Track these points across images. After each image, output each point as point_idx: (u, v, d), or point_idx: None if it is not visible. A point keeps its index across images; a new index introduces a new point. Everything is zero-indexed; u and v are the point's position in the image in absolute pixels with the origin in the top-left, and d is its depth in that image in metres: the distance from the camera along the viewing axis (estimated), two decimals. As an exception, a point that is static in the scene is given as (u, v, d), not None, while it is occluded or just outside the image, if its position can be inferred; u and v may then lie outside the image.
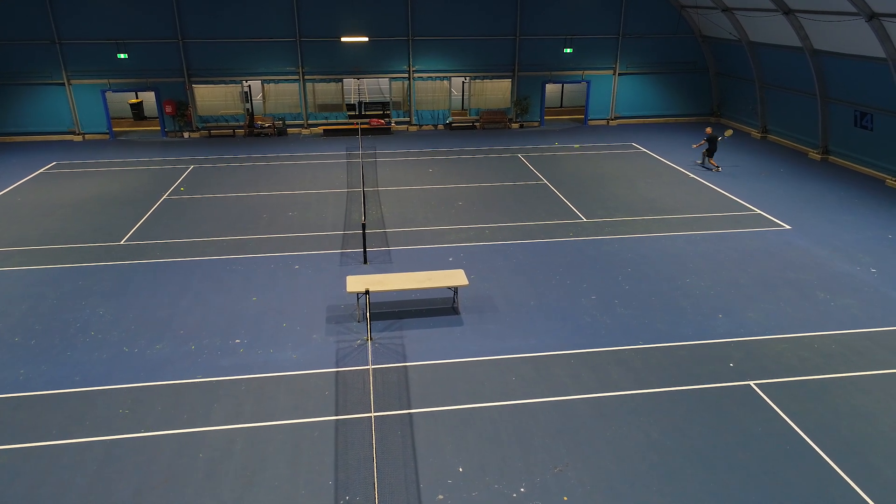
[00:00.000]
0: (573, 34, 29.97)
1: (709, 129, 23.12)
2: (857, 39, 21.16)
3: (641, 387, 10.53)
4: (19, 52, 26.98)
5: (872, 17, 19.49)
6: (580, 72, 30.74)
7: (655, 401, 10.17)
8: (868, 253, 15.80)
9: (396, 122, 30.68)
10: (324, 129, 29.43)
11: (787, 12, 23.34)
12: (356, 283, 12.44)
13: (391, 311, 13.00)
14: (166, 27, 27.54)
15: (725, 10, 27.00)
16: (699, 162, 23.83)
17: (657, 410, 9.93)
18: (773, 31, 25.35)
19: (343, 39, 28.60)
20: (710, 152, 22.98)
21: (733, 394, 10.35)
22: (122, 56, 27.52)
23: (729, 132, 24.12)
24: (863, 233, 17.13)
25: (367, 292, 11.85)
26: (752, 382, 10.65)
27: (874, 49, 20.66)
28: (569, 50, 30.05)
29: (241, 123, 29.59)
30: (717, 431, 9.46)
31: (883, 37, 19.68)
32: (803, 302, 13.35)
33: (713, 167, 23.14)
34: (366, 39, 28.73)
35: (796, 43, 24.33)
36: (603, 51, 30.55)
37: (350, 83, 47.71)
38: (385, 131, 29.80)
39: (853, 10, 20.04)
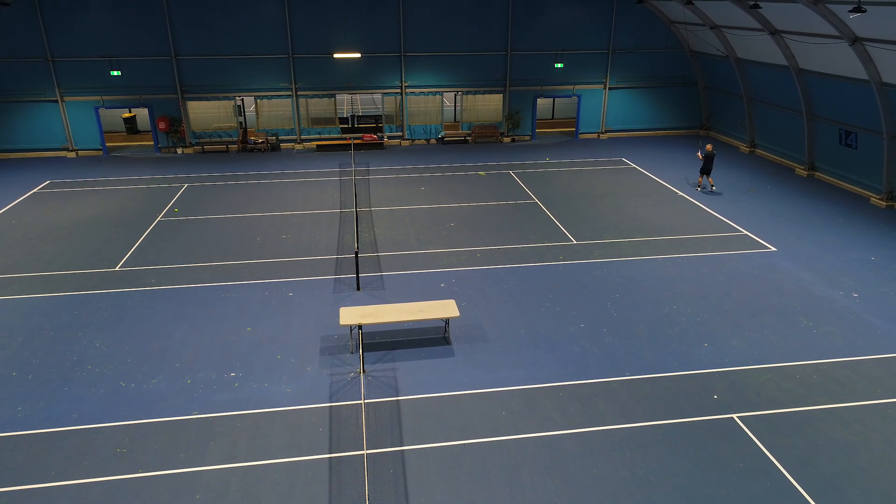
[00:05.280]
0: (564, 49, 30.28)
1: (709, 147, 22.49)
2: (842, 61, 21.56)
3: (627, 420, 10.81)
4: (12, 70, 27.07)
5: (855, 41, 19.87)
6: (571, 86, 31.06)
7: (641, 435, 10.45)
8: (851, 276, 16.14)
9: (389, 137, 30.91)
10: (317, 145, 29.63)
11: (774, 32, 23.72)
12: (349, 315, 12.66)
13: (384, 342, 13.23)
14: (159, 44, 27.69)
15: (714, 27, 27.37)
16: (698, 188, 23.26)
17: (643, 445, 10.21)
18: (760, 49, 25.75)
19: (336, 56, 28.82)
20: (705, 171, 22.62)
21: (717, 427, 10.64)
22: (115, 73, 27.64)
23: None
24: (847, 254, 17.48)
25: (360, 328, 12.08)
26: (735, 415, 10.95)
27: (858, 71, 21.05)
28: (559, 65, 30.35)
29: (235, 139, 29.76)
30: (700, 467, 9.74)
31: (866, 60, 20.06)
32: (786, 329, 13.67)
33: (710, 186, 22.93)
34: (358, 55, 28.95)
35: (782, 62, 24.72)
36: (593, 65, 30.88)
37: (343, 96, 47.79)
38: (378, 146, 30.02)
39: (836, 33, 20.42)
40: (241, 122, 29.88)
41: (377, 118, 30.74)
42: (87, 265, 16.93)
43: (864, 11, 16.75)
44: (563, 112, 38.27)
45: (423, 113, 30.70)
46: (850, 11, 16.93)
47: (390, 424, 10.71)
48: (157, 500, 9.09)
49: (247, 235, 18.99)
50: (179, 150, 29.20)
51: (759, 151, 28.40)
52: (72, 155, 28.50)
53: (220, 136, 29.80)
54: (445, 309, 12.97)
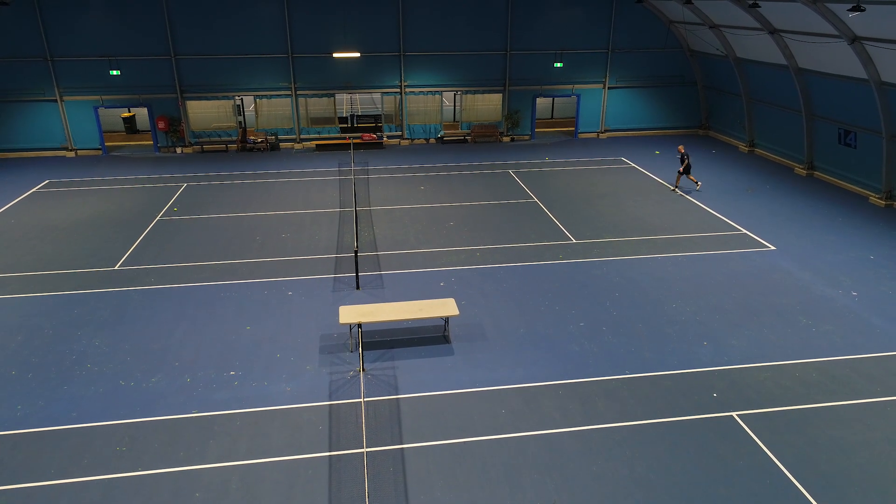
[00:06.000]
0: (563, 49, 30.28)
1: (681, 147, 22.60)
2: (841, 60, 21.57)
3: (627, 419, 10.81)
4: (12, 69, 27.05)
5: (854, 40, 19.88)
6: (570, 86, 31.07)
7: (641, 434, 10.45)
8: (850, 275, 16.15)
9: (388, 137, 30.91)
10: (316, 144, 29.63)
11: (773, 32, 23.74)
12: (349, 313, 12.66)
13: (383, 341, 13.23)
14: (158, 44, 27.67)
15: (713, 26, 27.39)
16: (674, 188, 23.14)
17: (642, 444, 10.21)
18: (760, 48, 25.76)
19: (335, 55, 28.81)
20: (686, 170, 22.57)
21: (716, 426, 10.64)
22: (114, 73, 27.63)
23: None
24: (846, 253, 17.49)
25: (360, 326, 12.09)
26: (734, 413, 10.95)
27: (857, 70, 21.06)
28: (559, 64, 30.36)
29: (234, 138, 29.76)
30: (700, 466, 9.75)
31: (865, 59, 20.08)
32: (786, 328, 13.67)
33: (694, 184, 23.04)
34: (357, 55, 28.95)
35: (781, 61, 24.73)
36: (593, 65, 30.88)
37: (342, 95, 47.80)
38: (377, 146, 30.02)
39: (835, 32, 20.43)
40: (240, 122, 29.87)
41: (376, 118, 30.73)
42: (86, 264, 16.92)
43: (863, 10, 16.76)
44: (563, 112, 38.28)
45: (422, 112, 30.70)
46: (849, 10, 16.94)
47: (390, 423, 10.71)
48: (156, 498, 9.09)
49: (246, 235, 18.99)
50: (179, 150, 29.18)
51: (758, 151, 28.42)
52: (71, 154, 28.48)
53: (219, 136, 29.79)
54: (445, 308, 12.97)
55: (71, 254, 17.62)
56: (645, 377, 11.97)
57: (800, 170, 25.18)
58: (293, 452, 10.01)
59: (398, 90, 30.08)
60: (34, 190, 23.42)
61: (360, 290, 15.52)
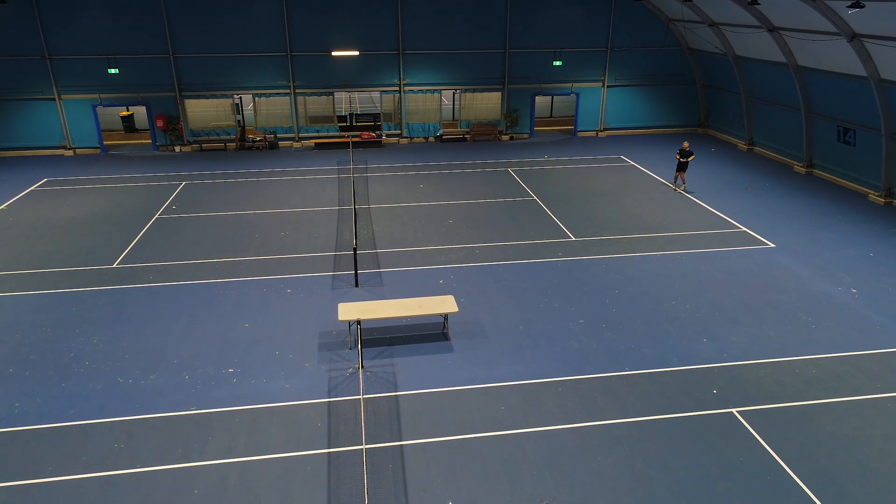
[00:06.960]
0: (562, 47, 30.26)
1: (686, 144, 22.44)
2: (840, 58, 21.56)
3: (627, 415, 10.79)
4: (10, 68, 26.99)
5: (854, 37, 19.87)
6: (569, 84, 31.04)
7: (641, 430, 10.43)
8: (849, 272, 16.14)
9: (387, 135, 30.87)
10: (315, 143, 29.59)
11: (772, 29, 23.73)
12: (348, 311, 12.64)
13: (382, 338, 13.21)
14: (157, 42, 27.62)
15: (712, 24, 27.38)
16: (679, 187, 23.11)
17: (642, 440, 10.19)
18: (759, 46, 25.75)
19: (334, 54, 28.78)
20: (681, 167, 22.51)
21: (716, 422, 10.62)
22: (112, 71, 27.58)
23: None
24: (845, 251, 17.48)
25: (359, 323, 12.06)
26: (734, 410, 10.93)
27: (856, 68, 21.05)
28: (558, 63, 30.33)
29: (233, 137, 29.71)
30: (700, 462, 9.73)
31: (865, 57, 20.07)
32: (785, 325, 13.65)
33: (680, 185, 22.98)
34: (356, 53, 28.91)
35: (781, 59, 24.72)
36: (592, 63, 30.86)
37: (341, 94, 47.79)
38: (376, 144, 29.98)
39: (835, 30, 20.42)
40: (239, 121, 29.82)
41: (375, 116, 30.69)
42: (84, 262, 16.88)
43: (863, 7, 16.75)
44: (562, 110, 38.26)
45: (421, 111, 30.66)
46: (848, 7, 16.93)
47: (389, 420, 10.68)
48: (155, 495, 9.06)
49: (245, 232, 18.95)
50: (177, 149, 29.14)
51: (757, 149, 28.41)
52: (69, 153, 28.43)
53: (218, 135, 29.75)
54: (444, 305, 12.94)
55: (69, 252, 17.58)
56: (644, 374, 11.95)
57: (799, 168, 25.17)
58: (292, 449, 9.98)
59: (397, 89, 30.04)
60: (32, 188, 23.37)
61: (360, 287, 15.49)
